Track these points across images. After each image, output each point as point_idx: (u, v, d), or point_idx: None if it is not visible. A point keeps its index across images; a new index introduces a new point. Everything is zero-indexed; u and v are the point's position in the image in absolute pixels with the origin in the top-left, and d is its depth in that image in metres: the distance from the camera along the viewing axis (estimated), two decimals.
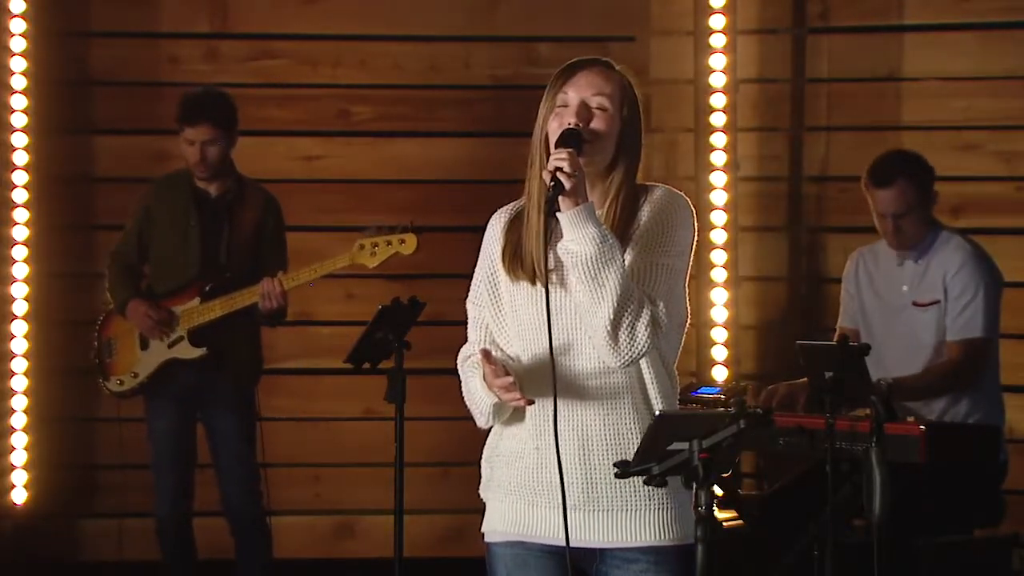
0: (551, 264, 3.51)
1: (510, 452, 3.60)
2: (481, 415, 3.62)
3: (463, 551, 7.44)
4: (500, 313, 3.63)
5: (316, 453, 7.41)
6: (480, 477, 3.71)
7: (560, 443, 3.44)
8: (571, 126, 3.51)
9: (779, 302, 7.44)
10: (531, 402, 3.48)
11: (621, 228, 3.52)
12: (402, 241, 6.19)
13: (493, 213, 3.78)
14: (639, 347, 3.44)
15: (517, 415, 3.60)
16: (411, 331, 5.76)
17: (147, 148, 7.35)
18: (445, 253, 7.33)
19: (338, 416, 7.45)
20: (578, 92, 3.55)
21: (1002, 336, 5.97)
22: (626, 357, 3.45)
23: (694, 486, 3.27)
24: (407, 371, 5.67)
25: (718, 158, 7.32)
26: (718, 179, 7.33)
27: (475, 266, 3.72)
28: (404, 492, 5.68)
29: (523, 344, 3.58)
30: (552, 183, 3.41)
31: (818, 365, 5.13)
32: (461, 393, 3.69)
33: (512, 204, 3.71)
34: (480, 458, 3.70)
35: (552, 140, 3.53)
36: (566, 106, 3.55)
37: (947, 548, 5.67)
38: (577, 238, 3.43)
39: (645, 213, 3.55)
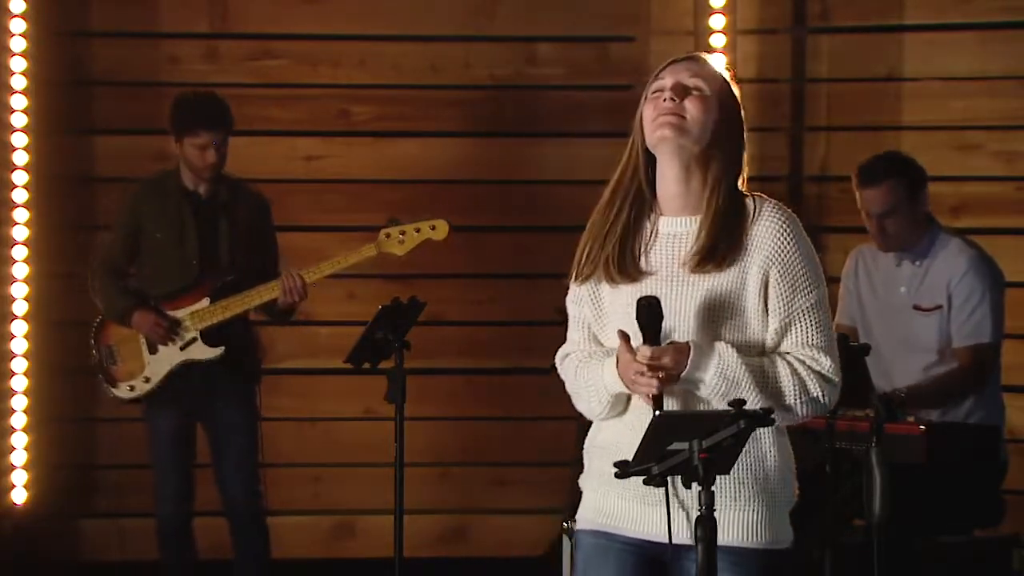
0: (648, 279, 3.50)
1: (608, 445, 3.59)
2: (596, 404, 3.58)
3: (463, 551, 7.44)
4: (601, 312, 3.60)
5: (316, 453, 7.41)
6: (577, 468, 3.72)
7: None
8: (665, 116, 3.46)
9: None
10: (660, 390, 3.44)
11: (722, 241, 3.47)
12: (432, 227, 6.19)
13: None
14: (824, 405, 3.52)
15: (618, 410, 3.59)
16: (411, 331, 5.76)
17: (147, 148, 7.34)
18: (445, 253, 7.32)
19: (338, 416, 7.45)
20: (674, 75, 3.51)
21: (1002, 338, 5.97)
22: (821, 414, 3.57)
23: (694, 486, 3.27)
24: (407, 371, 5.67)
25: None
26: None
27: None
28: (404, 492, 5.68)
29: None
30: (654, 408, 3.39)
31: None
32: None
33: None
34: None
35: (647, 131, 3.49)
36: (661, 90, 3.50)
37: (947, 548, 5.67)
38: (698, 377, 3.43)
39: (759, 241, 3.49)
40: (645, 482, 3.32)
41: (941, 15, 7.18)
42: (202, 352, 6.27)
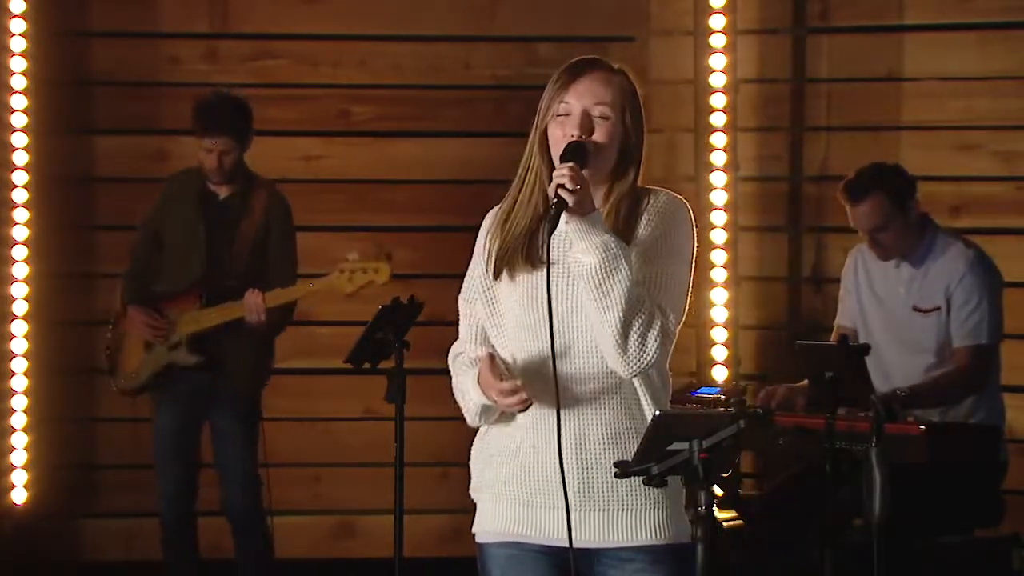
0: (525, 270, 3.53)
1: (503, 451, 3.60)
2: (468, 413, 3.62)
3: (463, 551, 7.38)
4: (495, 311, 3.63)
5: (316, 453, 7.41)
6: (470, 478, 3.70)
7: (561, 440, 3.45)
8: (574, 138, 3.51)
9: (779, 302, 7.44)
10: (529, 405, 3.48)
11: (623, 231, 3.52)
12: (376, 271, 6.20)
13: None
14: (648, 358, 3.46)
15: (508, 414, 3.59)
16: (411, 331, 5.76)
17: (147, 148, 7.35)
18: (445, 253, 7.31)
19: (338, 416, 7.45)
20: (580, 100, 3.55)
21: (1001, 339, 5.97)
22: (635, 367, 3.46)
23: (694, 486, 3.28)
24: (407, 371, 5.67)
25: (718, 158, 7.32)
26: (718, 179, 7.33)
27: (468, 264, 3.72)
28: (404, 492, 5.68)
29: (519, 343, 3.57)
30: (555, 200, 3.42)
31: (818, 365, 5.13)
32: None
33: (502, 204, 3.69)
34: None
35: (555, 151, 3.54)
36: (568, 115, 3.55)
37: (947, 548, 5.68)
38: (583, 248, 3.44)
39: (648, 219, 3.56)
40: (645, 482, 3.31)
41: (941, 15, 7.18)
42: (183, 358, 6.29)
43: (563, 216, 3.44)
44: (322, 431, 7.45)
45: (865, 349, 5.24)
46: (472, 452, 3.69)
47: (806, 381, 5.57)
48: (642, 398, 3.54)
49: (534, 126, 3.60)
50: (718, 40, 7.29)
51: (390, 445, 5.66)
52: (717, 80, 7.29)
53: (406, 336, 5.72)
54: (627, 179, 3.57)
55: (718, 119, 7.30)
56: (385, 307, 5.77)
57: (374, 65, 7.52)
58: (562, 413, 3.47)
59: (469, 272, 3.70)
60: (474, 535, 3.68)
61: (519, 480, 3.57)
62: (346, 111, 7.51)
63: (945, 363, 5.85)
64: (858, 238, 6.18)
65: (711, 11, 7.28)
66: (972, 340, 5.81)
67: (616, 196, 3.56)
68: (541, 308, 3.48)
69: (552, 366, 3.45)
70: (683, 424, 3.30)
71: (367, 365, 5.83)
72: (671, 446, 3.27)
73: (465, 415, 3.64)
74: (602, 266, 3.42)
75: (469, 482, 3.72)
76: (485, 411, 3.59)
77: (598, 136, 3.54)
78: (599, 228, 3.44)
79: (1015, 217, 7.06)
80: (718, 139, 7.31)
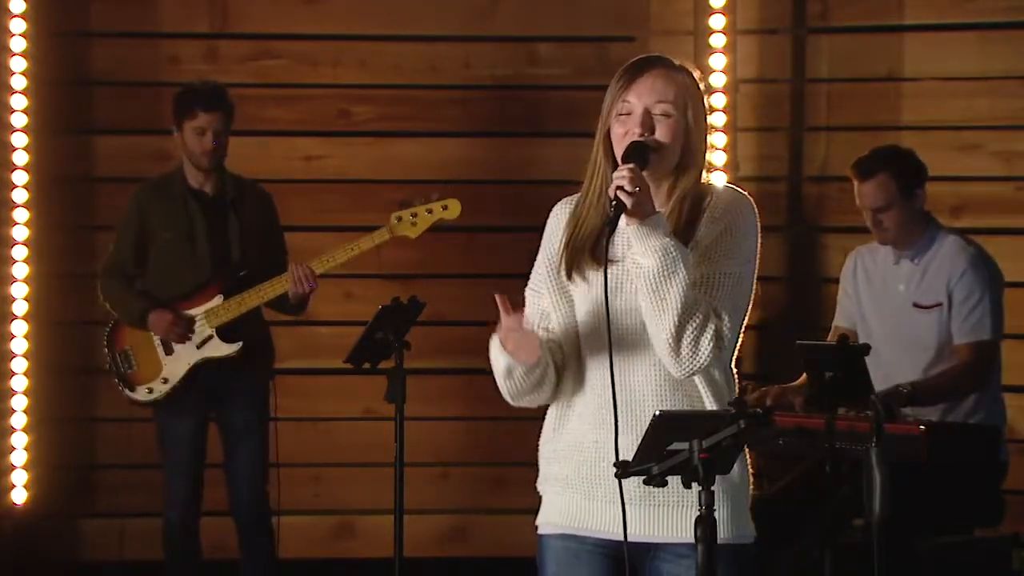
0: (610, 267, 3.53)
1: (568, 445, 3.63)
2: (499, 382, 3.65)
3: (463, 551, 7.44)
4: (561, 306, 3.66)
5: (316, 453, 7.40)
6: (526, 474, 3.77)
7: (619, 437, 3.45)
8: (637, 137, 3.53)
9: (779, 302, 7.44)
10: (538, 358, 3.50)
11: (685, 231, 3.54)
12: (444, 207, 6.17)
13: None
14: (701, 360, 3.49)
15: (576, 409, 3.62)
16: (411, 331, 5.76)
17: (147, 148, 7.35)
18: (445, 253, 7.35)
19: (338, 416, 7.45)
20: (640, 99, 3.56)
21: (1002, 336, 5.97)
22: (687, 369, 3.49)
23: (694, 486, 3.28)
24: (407, 371, 5.67)
25: (718, 158, 7.33)
26: (718, 179, 7.32)
27: (534, 256, 3.74)
28: (404, 492, 5.68)
29: (585, 339, 3.60)
30: (614, 202, 3.43)
31: (818, 365, 5.13)
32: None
33: (574, 196, 3.72)
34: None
35: (617, 150, 3.55)
36: (629, 114, 3.57)
37: (947, 548, 5.68)
38: (642, 250, 3.46)
39: (710, 217, 3.57)
40: (645, 482, 3.32)
41: (941, 15, 7.18)
42: (218, 349, 6.26)
43: (623, 217, 3.46)
44: (322, 431, 7.45)
45: (865, 349, 5.24)
46: (540, 447, 3.73)
47: (801, 379, 5.58)
48: (704, 396, 3.56)
49: (599, 126, 3.62)
50: (718, 40, 7.29)
51: (390, 445, 5.66)
52: (717, 80, 7.29)
53: (406, 336, 5.73)
54: (690, 177, 3.58)
55: (718, 119, 7.30)
56: (385, 307, 5.78)
57: (374, 65, 7.52)
58: (624, 409, 3.49)
59: (536, 264, 3.73)
60: (536, 527, 3.71)
61: (581, 474, 3.61)
62: (346, 111, 7.51)
63: (946, 361, 5.85)
64: (858, 239, 6.18)
65: (711, 11, 7.28)
66: (974, 336, 5.81)
67: (679, 194, 3.57)
68: (602, 307, 3.50)
69: (609, 363, 3.47)
70: (683, 424, 3.30)
71: (367, 365, 5.83)
72: (671, 446, 3.27)
73: (500, 390, 3.66)
74: (660, 269, 3.44)
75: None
76: (508, 373, 3.61)
77: (659, 135, 3.55)
78: (659, 231, 3.45)
79: (1015, 217, 7.06)
80: (718, 139, 7.32)
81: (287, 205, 6.66)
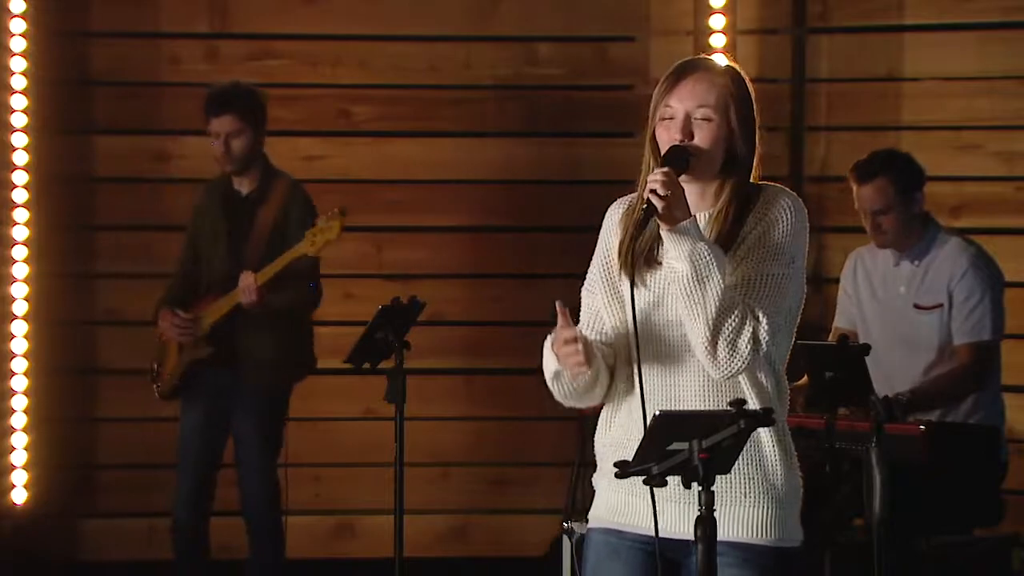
0: (646, 271, 3.57)
1: (617, 442, 3.65)
2: (550, 385, 3.65)
3: (463, 551, 7.44)
4: (613, 305, 3.67)
5: (316, 453, 7.40)
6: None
7: None
8: (676, 143, 3.55)
9: None
10: (586, 369, 3.52)
11: (731, 231, 3.56)
12: (330, 229, 6.14)
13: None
14: (739, 362, 3.49)
15: (623, 408, 3.65)
16: (411, 331, 5.76)
17: (147, 148, 7.35)
18: (445, 253, 7.35)
19: (338, 416, 7.45)
20: (681, 103, 3.58)
21: (1003, 336, 5.97)
22: (725, 371, 3.51)
23: (694, 486, 3.28)
24: (407, 371, 5.67)
25: None
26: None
27: (590, 256, 3.74)
28: (404, 492, 5.68)
29: (639, 338, 3.60)
30: (646, 204, 3.46)
31: (818, 365, 5.13)
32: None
33: (629, 196, 3.72)
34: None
35: (661, 152, 3.57)
36: (672, 118, 3.58)
37: (947, 548, 5.68)
38: (675, 255, 3.48)
39: (755, 218, 3.58)
40: (645, 482, 3.32)
41: (941, 15, 7.18)
42: (199, 351, 6.31)
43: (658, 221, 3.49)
44: (322, 431, 7.44)
45: (865, 349, 5.24)
46: (596, 442, 3.74)
47: (802, 380, 5.58)
48: (749, 399, 3.56)
49: (648, 127, 3.64)
50: (718, 40, 7.28)
51: (390, 445, 5.66)
52: None
53: (406, 336, 5.73)
54: (736, 179, 3.60)
55: None
56: (385, 307, 5.77)
57: (374, 65, 7.51)
58: (666, 406, 3.53)
59: (592, 263, 3.74)
60: (586, 520, 3.76)
61: None
62: (346, 111, 7.51)
63: (946, 362, 5.85)
64: (858, 239, 6.18)
65: (711, 11, 7.28)
66: (974, 337, 5.81)
67: (726, 196, 3.59)
68: (650, 308, 3.54)
69: (637, 362, 3.50)
70: (683, 424, 3.30)
71: (367, 365, 5.83)
72: (671, 446, 3.27)
73: (552, 392, 3.67)
74: (692, 274, 3.46)
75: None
76: (556, 377, 3.63)
77: (698, 139, 3.57)
78: (690, 236, 3.47)
79: (1015, 217, 7.06)
80: None
81: None
